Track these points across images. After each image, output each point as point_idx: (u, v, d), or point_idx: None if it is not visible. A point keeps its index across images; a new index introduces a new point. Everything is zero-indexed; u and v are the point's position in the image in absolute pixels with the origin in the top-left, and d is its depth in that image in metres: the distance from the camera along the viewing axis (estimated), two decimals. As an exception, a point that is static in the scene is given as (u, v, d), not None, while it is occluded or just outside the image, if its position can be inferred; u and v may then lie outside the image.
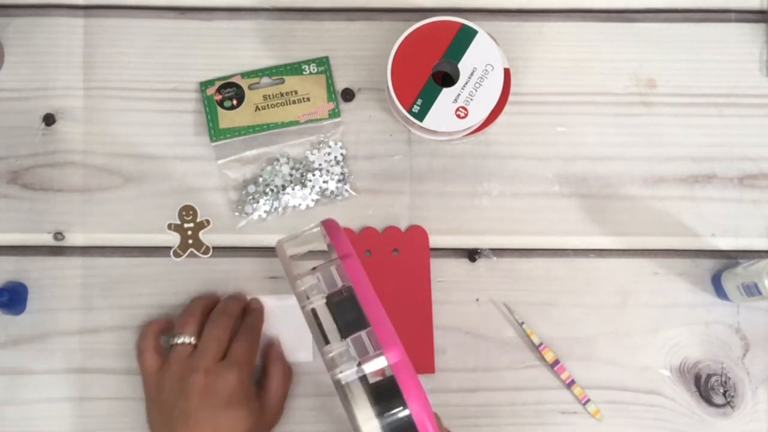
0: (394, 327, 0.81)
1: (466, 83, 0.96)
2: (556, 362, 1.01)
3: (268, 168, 1.03)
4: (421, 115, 0.96)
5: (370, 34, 1.05)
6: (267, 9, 1.06)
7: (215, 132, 1.03)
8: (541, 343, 1.01)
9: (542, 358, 1.02)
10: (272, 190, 1.03)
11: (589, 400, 1.01)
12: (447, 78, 0.98)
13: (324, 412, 1.02)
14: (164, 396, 0.94)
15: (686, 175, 1.04)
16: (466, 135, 1.01)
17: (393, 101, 0.96)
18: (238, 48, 1.05)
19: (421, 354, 1.02)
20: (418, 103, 0.96)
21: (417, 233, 1.03)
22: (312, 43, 1.05)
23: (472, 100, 0.96)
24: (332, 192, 1.03)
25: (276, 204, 1.03)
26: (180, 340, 0.97)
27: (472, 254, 1.03)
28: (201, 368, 0.93)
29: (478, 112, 0.97)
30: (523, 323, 1.02)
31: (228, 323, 0.97)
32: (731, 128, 1.05)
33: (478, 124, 0.99)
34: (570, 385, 1.01)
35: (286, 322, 1.02)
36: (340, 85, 1.05)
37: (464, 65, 0.96)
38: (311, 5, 1.06)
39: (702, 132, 1.05)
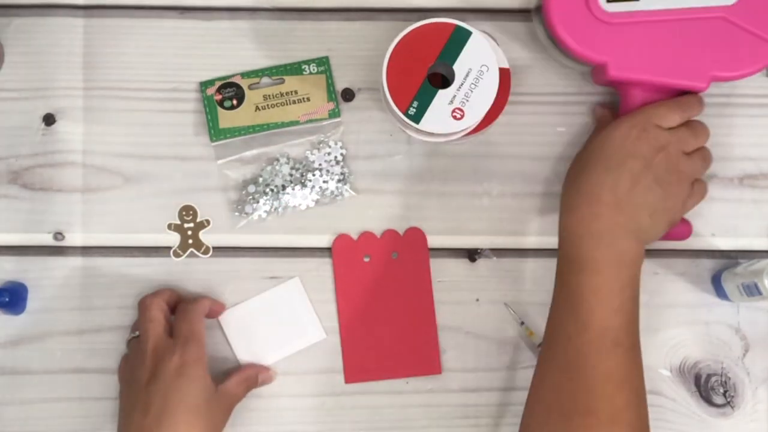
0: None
1: (462, 84, 0.96)
2: None
3: (268, 168, 1.03)
4: (417, 117, 0.96)
5: (369, 34, 1.05)
6: (267, 9, 1.06)
7: (215, 132, 1.03)
8: (540, 343, 1.01)
9: (542, 358, 1.02)
10: (272, 190, 1.03)
11: None
12: (446, 80, 0.98)
13: (324, 412, 1.02)
14: (124, 389, 0.97)
15: (686, 175, 1.04)
16: (465, 136, 1.01)
17: (389, 104, 0.96)
18: (238, 48, 1.05)
19: (427, 355, 1.02)
20: (414, 105, 0.96)
21: (415, 235, 1.03)
22: (312, 43, 1.05)
23: (468, 101, 0.96)
24: (332, 192, 1.03)
25: (276, 204, 1.03)
26: (129, 337, 0.99)
27: (472, 254, 1.03)
28: (147, 352, 0.94)
29: (475, 113, 0.96)
30: (523, 323, 1.02)
31: (155, 303, 0.98)
32: (731, 128, 1.05)
33: (474, 125, 0.98)
34: None
35: (276, 313, 1.03)
36: (340, 85, 1.05)
37: (459, 66, 0.96)
38: (311, 5, 1.06)
39: (702, 132, 1.05)
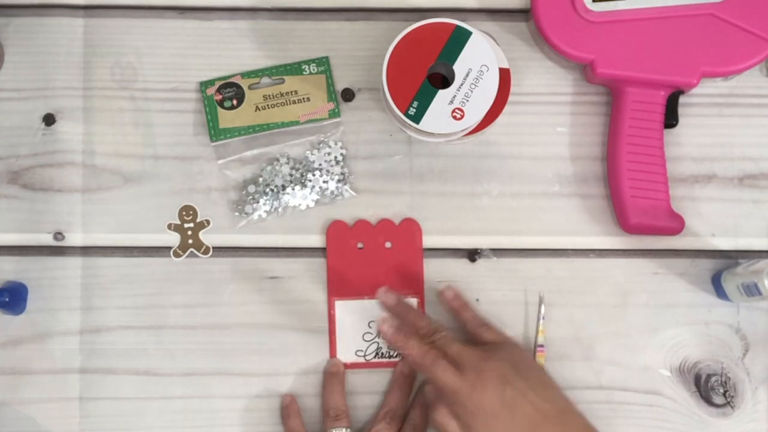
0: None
1: (462, 84, 0.96)
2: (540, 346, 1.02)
3: (268, 168, 1.03)
4: (417, 118, 0.96)
5: (369, 34, 1.05)
6: (267, 9, 1.06)
7: (215, 132, 1.03)
8: (542, 345, 1.02)
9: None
10: (272, 190, 1.03)
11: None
12: (446, 80, 0.98)
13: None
14: None
15: (686, 175, 1.04)
16: (465, 135, 1.01)
17: (389, 104, 0.96)
18: (238, 48, 1.05)
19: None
20: (414, 105, 0.96)
21: (410, 226, 1.03)
22: (312, 43, 1.05)
23: (468, 101, 0.96)
24: (332, 192, 1.03)
25: (276, 204, 1.03)
26: None
27: (472, 254, 1.03)
28: None
29: (475, 113, 0.97)
30: (543, 318, 1.02)
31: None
32: (731, 128, 1.05)
33: (474, 126, 0.99)
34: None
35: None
36: (340, 85, 1.05)
37: (459, 66, 0.96)
38: (311, 5, 1.06)
39: (702, 132, 1.05)
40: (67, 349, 1.02)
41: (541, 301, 1.03)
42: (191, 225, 1.03)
